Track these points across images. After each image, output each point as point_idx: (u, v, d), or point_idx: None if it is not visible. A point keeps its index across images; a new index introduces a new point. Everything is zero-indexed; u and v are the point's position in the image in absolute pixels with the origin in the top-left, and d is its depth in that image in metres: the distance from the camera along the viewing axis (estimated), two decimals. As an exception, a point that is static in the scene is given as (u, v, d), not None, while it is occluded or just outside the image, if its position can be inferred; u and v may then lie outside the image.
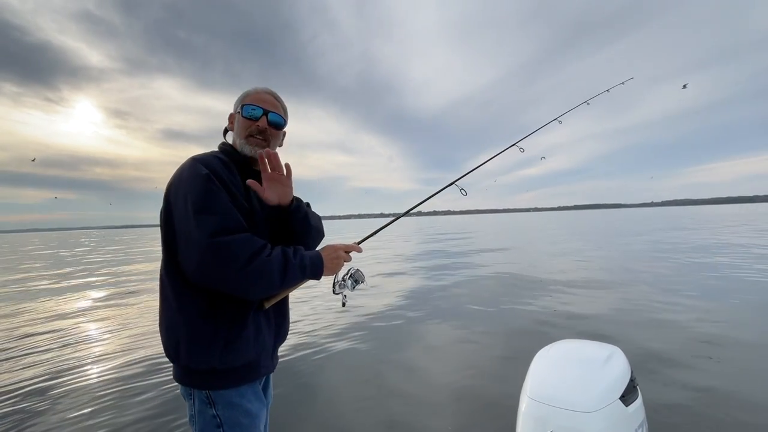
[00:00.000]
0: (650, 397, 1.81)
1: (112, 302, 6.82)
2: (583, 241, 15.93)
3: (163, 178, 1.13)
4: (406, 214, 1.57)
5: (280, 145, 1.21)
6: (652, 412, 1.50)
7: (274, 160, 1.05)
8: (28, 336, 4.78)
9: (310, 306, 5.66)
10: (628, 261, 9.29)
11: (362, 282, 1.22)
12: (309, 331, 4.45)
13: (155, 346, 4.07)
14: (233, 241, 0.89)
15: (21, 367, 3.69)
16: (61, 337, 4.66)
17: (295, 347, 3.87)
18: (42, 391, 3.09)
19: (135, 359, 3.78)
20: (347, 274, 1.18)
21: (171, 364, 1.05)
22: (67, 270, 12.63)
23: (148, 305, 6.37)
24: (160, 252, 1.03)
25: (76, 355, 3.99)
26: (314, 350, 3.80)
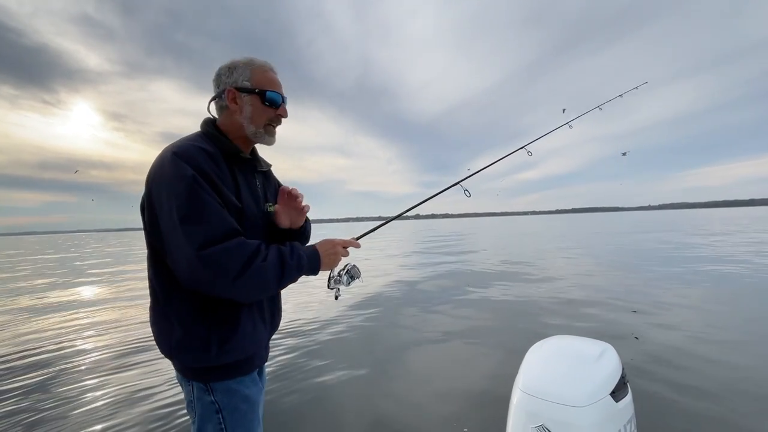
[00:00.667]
0: (639, 394, 1.84)
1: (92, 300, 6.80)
2: (579, 242, 15.96)
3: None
4: (407, 212, 1.56)
5: None
6: (640, 408, 1.53)
7: (296, 197, 1.12)
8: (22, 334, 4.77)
9: (299, 299, 5.67)
10: (624, 260, 9.31)
11: (358, 278, 1.20)
12: (300, 325, 4.51)
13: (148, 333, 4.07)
14: (224, 251, 0.84)
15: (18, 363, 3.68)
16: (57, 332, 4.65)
17: (288, 340, 3.87)
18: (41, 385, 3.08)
19: (129, 339, 3.83)
20: (343, 269, 1.17)
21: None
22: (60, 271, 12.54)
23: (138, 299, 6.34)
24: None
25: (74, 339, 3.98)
26: (306, 341, 3.81)
